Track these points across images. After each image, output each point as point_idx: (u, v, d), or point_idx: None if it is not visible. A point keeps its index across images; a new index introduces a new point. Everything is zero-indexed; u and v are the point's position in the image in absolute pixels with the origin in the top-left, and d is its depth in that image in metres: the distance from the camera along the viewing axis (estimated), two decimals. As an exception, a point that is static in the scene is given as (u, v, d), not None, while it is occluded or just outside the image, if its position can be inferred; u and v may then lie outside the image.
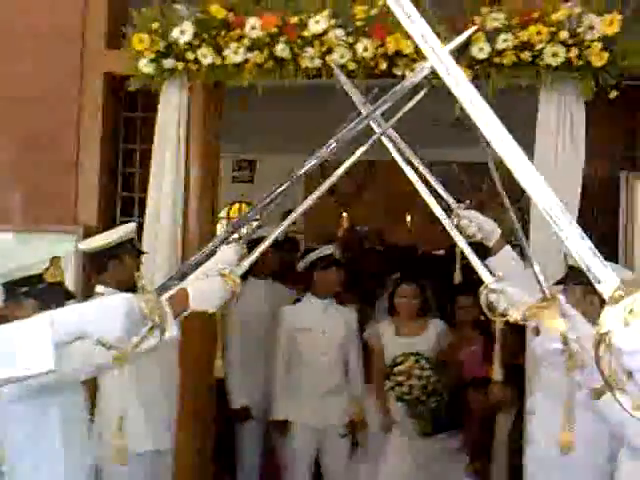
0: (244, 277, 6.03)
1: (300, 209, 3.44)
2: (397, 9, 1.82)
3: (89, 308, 2.28)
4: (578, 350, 2.44)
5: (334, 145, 2.53)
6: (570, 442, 2.61)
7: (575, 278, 3.79)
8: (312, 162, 2.56)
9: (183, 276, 2.56)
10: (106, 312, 2.25)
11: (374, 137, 3.50)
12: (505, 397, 5.30)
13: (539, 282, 2.53)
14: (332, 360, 5.84)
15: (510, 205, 3.08)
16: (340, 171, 3.40)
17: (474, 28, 4.16)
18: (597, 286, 1.51)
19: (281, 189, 2.79)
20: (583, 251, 1.54)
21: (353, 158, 3.41)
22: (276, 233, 3.46)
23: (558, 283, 3.87)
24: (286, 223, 3.41)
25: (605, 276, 1.50)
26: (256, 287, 6.22)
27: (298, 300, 6.05)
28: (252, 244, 3.40)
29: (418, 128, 5.09)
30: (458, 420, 5.75)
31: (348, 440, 5.91)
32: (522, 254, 3.64)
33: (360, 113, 3.64)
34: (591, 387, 2.46)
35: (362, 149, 3.45)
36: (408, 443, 5.68)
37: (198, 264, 2.79)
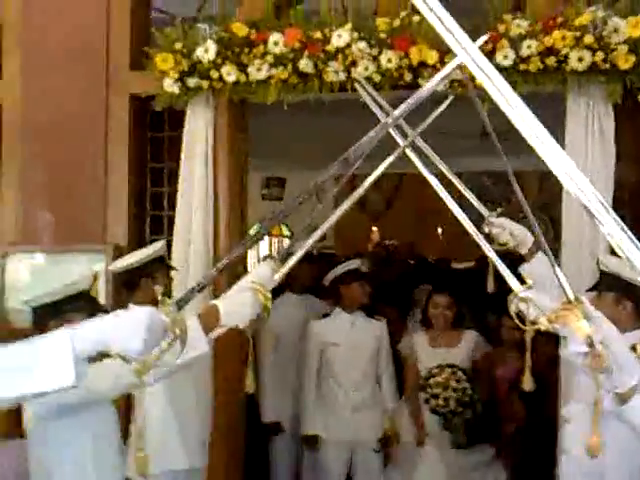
0: (281, 292, 6.08)
1: (328, 222, 3.43)
2: (428, 14, 1.78)
3: (109, 321, 2.26)
4: (603, 352, 2.41)
5: (355, 154, 2.51)
6: (597, 446, 2.58)
7: (607, 284, 3.75)
8: (334, 168, 2.53)
9: (203, 287, 2.54)
10: (127, 325, 2.23)
11: (400, 148, 3.49)
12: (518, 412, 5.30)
13: (561, 285, 2.50)
14: (362, 374, 5.81)
15: (537, 213, 3.05)
16: (367, 183, 3.39)
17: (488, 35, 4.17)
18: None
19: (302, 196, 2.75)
20: (625, 244, 1.50)
21: (379, 170, 3.39)
22: (305, 247, 3.45)
23: (591, 289, 3.83)
24: (315, 236, 3.40)
25: None
26: (291, 302, 6.28)
27: (327, 315, 6.01)
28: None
29: (444, 140, 5.07)
30: (492, 432, 5.69)
31: (381, 455, 5.87)
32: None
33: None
34: (616, 392, 2.43)
35: (388, 160, 3.44)
36: (441, 455, 5.62)
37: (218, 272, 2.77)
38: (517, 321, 2.99)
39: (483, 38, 2.73)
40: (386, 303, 7.01)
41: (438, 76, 2.22)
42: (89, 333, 2.24)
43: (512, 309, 2.98)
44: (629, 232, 1.53)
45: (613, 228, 1.54)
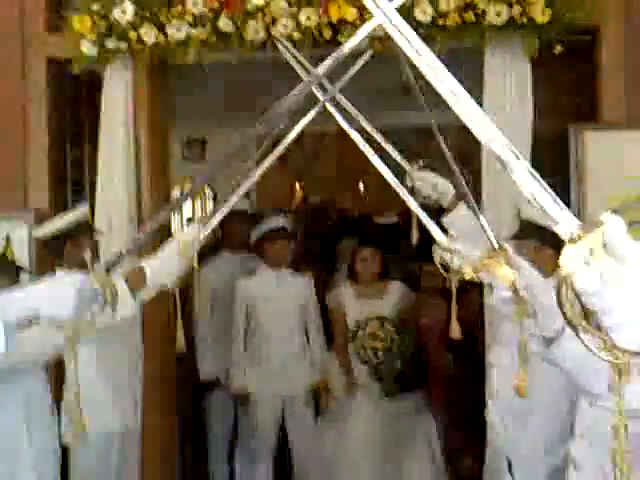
0: (216, 251, 6.10)
1: (250, 181, 3.45)
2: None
3: (39, 288, 2.26)
4: (527, 298, 2.48)
5: (277, 112, 2.52)
6: (523, 386, 2.66)
7: (527, 232, 3.82)
8: (257, 128, 2.54)
9: (131, 251, 2.54)
10: (56, 291, 2.23)
11: (320, 103, 3.50)
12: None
13: (486, 234, 2.56)
14: (289, 329, 5.88)
15: (458, 166, 3.10)
16: (288, 139, 3.41)
17: None
18: (554, 228, 1.50)
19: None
20: (538, 193, 1.53)
21: (299, 126, 3.42)
22: (229, 205, 3.47)
23: (512, 238, 3.91)
24: (237, 194, 3.42)
25: (563, 217, 1.49)
26: (227, 259, 6.33)
27: (252, 273, 6.03)
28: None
29: (366, 96, 5.10)
30: (420, 380, 5.81)
31: (312, 406, 5.96)
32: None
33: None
34: (542, 335, 2.50)
35: (308, 116, 3.46)
36: (373, 405, 5.73)
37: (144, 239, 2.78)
38: (442, 271, 3.06)
39: None
40: (312, 258, 7.08)
41: (358, 36, 2.23)
42: (19, 300, 2.23)
43: (436, 259, 3.05)
44: (541, 180, 1.56)
45: (525, 177, 1.57)
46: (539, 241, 3.78)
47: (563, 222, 1.48)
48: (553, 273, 3.09)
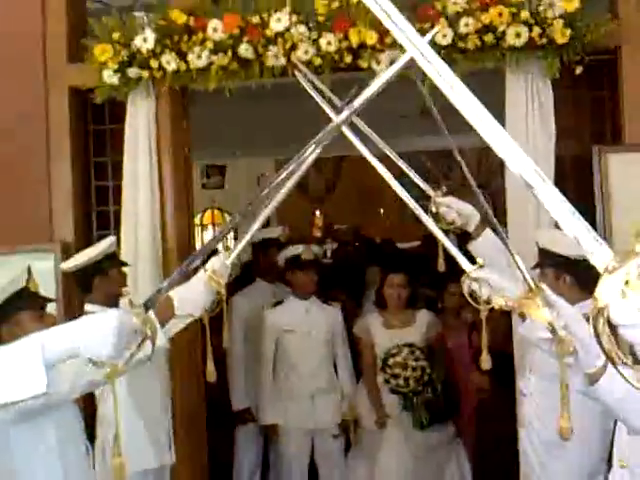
0: (251, 280, 6.07)
1: (269, 207, 3.43)
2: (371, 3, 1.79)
3: (79, 327, 2.24)
4: (566, 337, 2.44)
5: (309, 151, 2.50)
6: (568, 428, 2.63)
7: (545, 260, 3.80)
8: (288, 170, 2.52)
9: (170, 288, 2.53)
10: (97, 330, 2.22)
11: (331, 125, 3.40)
12: (484, 385, 5.32)
13: (522, 272, 2.54)
14: (318, 360, 5.81)
15: (469, 190, 3.08)
16: (305, 165, 3.35)
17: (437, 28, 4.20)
18: (590, 258, 1.48)
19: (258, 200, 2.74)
20: (573, 224, 1.51)
21: (315, 151, 3.34)
22: (250, 233, 3.46)
23: (534, 267, 3.87)
24: (258, 221, 3.41)
25: (597, 248, 1.47)
26: (260, 289, 6.29)
27: (279, 303, 5.99)
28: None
29: (384, 120, 5.09)
30: (451, 410, 5.74)
31: (341, 440, 5.89)
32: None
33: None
34: (585, 372, 2.47)
35: (320, 138, 3.39)
36: (404, 436, 5.64)
37: (183, 275, 2.76)
38: (471, 301, 3.03)
39: (433, 32, 2.73)
40: (339, 287, 7.05)
41: (389, 72, 2.22)
42: (59, 339, 2.23)
43: (465, 289, 3.02)
44: (569, 204, 1.54)
45: (554, 202, 1.55)
46: (556, 268, 3.76)
47: (598, 252, 1.46)
48: (574, 300, 3.08)
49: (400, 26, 1.79)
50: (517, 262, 2.57)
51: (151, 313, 2.44)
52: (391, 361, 5.54)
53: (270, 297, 6.19)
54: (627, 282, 1.40)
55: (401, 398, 5.56)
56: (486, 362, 3.32)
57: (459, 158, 3.32)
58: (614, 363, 1.46)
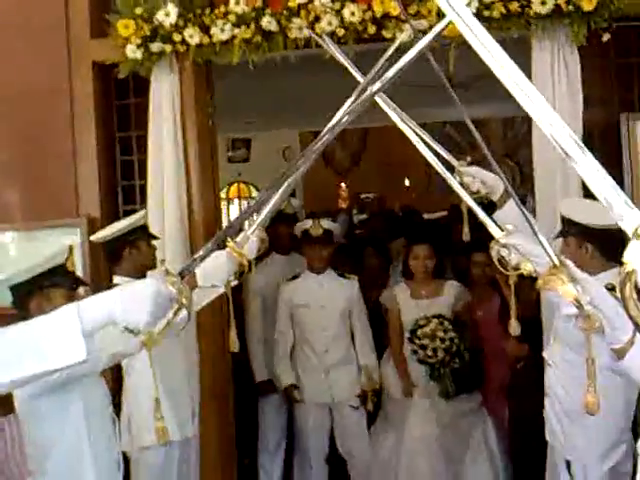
0: (267, 254, 6.05)
1: (292, 178, 3.40)
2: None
3: (115, 295, 2.26)
4: (592, 313, 2.43)
5: (337, 124, 2.47)
6: (594, 403, 2.62)
7: (568, 229, 3.77)
8: (317, 147, 2.49)
9: (204, 257, 2.53)
10: (133, 298, 2.23)
11: (366, 95, 3.38)
12: (522, 353, 5.28)
13: (546, 251, 2.52)
14: (333, 335, 5.77)
15: (503, 159, 3.06)
16: (327, 135, 3.32)
17: None
18: (619, 223, 1.45)
19: (288, 176, 2.71)
20: (603, 187, 1.49)
21: (339, 119, 3.31)
22: (272, 204, 3.45)
23: (557, 236, 3.85)
24: (281, 191, 3.39)
25: (626, 211, 1.45)
26: (276, 262, 6.25)
27: (296, 276, 5.95)
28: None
29: (408, 92, 5.05)
30: (477, 379, 5.74)
31: (362, 412, 5.85)
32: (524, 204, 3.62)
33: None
34: (612, 348, 2.46)
35: (353, 108, 3.36)
36: (431, 405, 5.64)
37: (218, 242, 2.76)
38: (500, 267, 3.02)
39: None
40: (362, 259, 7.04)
41: (427, 37, 2.18)
42: (96, 307, 2.25)
43: (494, 256, 3.01)
44: (604, 171, 1.52)
45: (589, 169, 1.53)
46: (579, 237, 3.73)
47: (628, 217, 1.44)
48: (596, 269, 3.06)
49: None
50: (540, 238, 2.55)
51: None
52: (420, 332, 5.52)
53: (286, 269, 6.17)
54: (657, 246, 1.37)
55: (428, 368, 5.55)
56: (514, 328, 3.31)
57: (472, 128, 3.29)
58: (640, 329, 1.45)
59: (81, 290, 3.61)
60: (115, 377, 4.56)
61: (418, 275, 5.79)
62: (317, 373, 5.77)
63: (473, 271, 6.11)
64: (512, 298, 3.21)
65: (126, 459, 4.16)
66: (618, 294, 1.44)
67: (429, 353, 5.49)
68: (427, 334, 5.50)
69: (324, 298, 5.77)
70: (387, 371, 5.82)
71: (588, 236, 3.71)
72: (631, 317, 1.43)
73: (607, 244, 3.52)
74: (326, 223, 5.92)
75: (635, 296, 1.41)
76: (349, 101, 3.27)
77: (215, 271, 3.39)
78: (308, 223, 5.85)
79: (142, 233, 4.45)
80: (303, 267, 5.97)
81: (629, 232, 1.42)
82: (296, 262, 6.25)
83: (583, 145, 1.55)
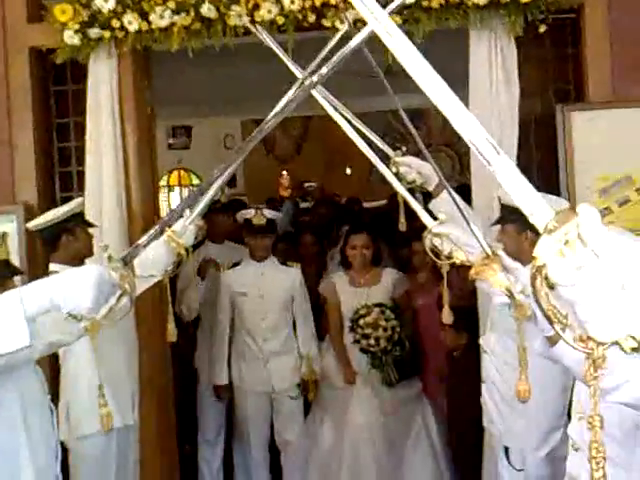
0: (202, 242, 6.03)
1: (232, 167, 3.40)
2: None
3: (58, 281, 2.26)
4: (524, 301, 2.47)
5: (276, 115, 2.49)
6: (526, 391, 2.67)
7: (507, 216, 3.81)
8: (257, 137, 2.51)
9: (148, 244, 2.53)
10: (76, 284, 2.23)
11: (298, 91, 3.40)
12: (460, 342, 5.34)
13: (479, 240, 2.55)
14: (272, 324, 5.79)
15: (444, 149, 3.10)
16: (268, 124, 3.33)
17: None
18: (530, 218, 1.48)
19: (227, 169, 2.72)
20: (514, 183, 1.51)
21: (281, 109, 3.32)
22: (211, 192, 3.45)
23: (494, 224, 3.90)
24: (220, 181, 3.38)
25: (537, 207, 1.48)
26: (210, 251, 6.28)
27: (237, 264, 5.96)
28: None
29: (348, 80, 5.07)
30: (417, 366, 5.80)
31: (300, 400, 5.89)
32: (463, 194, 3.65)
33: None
34: (545, 335, 2.50)
35: (288, 104, 3.38)
36: (373, 393, 5.70)
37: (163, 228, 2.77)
38: (432, 256, 3.05)
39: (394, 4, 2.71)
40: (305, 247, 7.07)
41: (354, 40, 2.22)
42: (39, 293, 2.24)
43: (427, 245, 3.04)
44: (508, 159, 1.53)
45: (502, 167, 1.54)
46: (519, 225, 3.77)
47: (538, 212, 1.46)
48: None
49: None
50: (472, 227, 2.59)
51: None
52: (362, 321, 5.57)
53: (220, 258, 6.17)
54: (566, 242, 1.40)
55: (370, 357, 5.60)
56: (447, 316, 3.35)
57: (404, 116, 3.31)
58: (552, 322, 1.47)
59: (16, 278, 3.58)
60: (51, 364, 4.52)
61: (356, 264, 5.82)
62: (257, 362, 5.78)
63: (414, 260, 6.17)
64: (444, 287, 3.25)
65: (64, 449, 4.13)
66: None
67: (371, 342, 5.53)
68: (369, 323, 5.55)
69: (264, 287, 5.77)
70: (328, 359, 5.85)
71: (528, 222, 3.74)
72: (542, 310, 1.46)
73: None
74: (269, 212, 5.92)
75: (546, 289, 1.44)
76: (289, 93, 3.30)
77: (154, 261, 3.39)
78: (251, 212, 5.84)
79: (79, 220, 4.41)
80: (238, 256, 5.99)
81: (540, 228, 1.44)
82: (231, 250, 6.25)
83: (497, 145, 1.55)
